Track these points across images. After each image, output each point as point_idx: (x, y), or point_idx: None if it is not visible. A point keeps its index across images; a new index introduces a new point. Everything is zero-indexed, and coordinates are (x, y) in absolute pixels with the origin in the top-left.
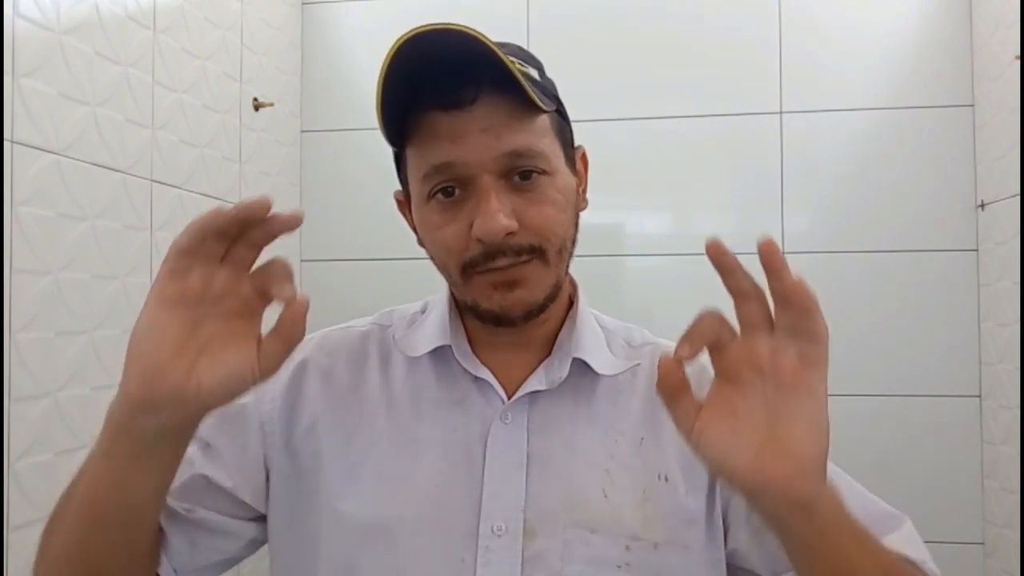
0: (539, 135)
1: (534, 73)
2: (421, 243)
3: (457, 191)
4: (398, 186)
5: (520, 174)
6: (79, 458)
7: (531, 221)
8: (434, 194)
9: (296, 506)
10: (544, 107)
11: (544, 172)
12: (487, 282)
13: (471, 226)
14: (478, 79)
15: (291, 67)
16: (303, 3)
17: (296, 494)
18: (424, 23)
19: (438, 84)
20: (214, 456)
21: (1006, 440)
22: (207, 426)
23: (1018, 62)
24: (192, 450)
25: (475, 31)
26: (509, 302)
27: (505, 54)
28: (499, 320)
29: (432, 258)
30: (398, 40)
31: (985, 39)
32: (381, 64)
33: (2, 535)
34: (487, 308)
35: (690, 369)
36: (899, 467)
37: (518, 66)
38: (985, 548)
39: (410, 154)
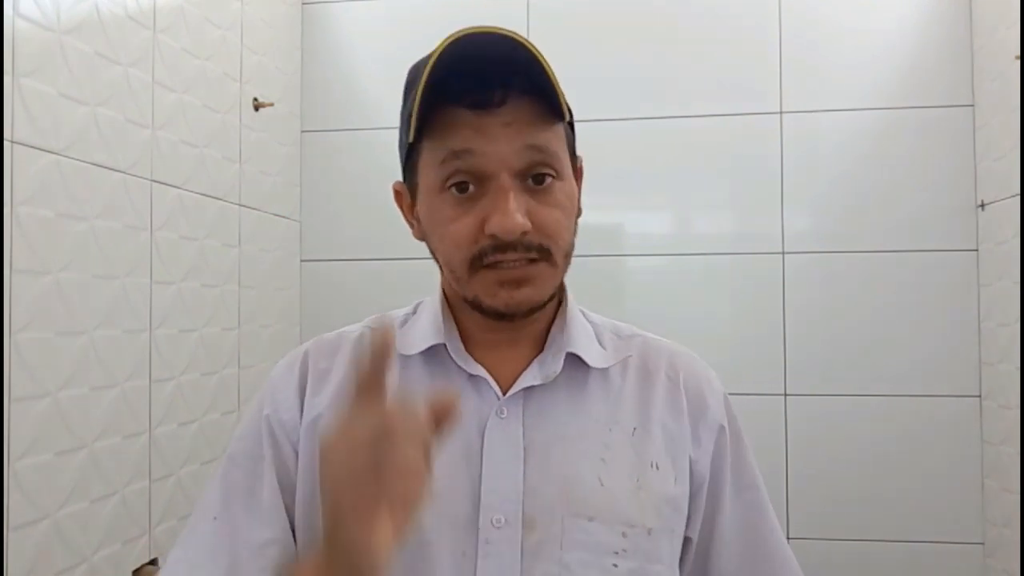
0: (556, 138)
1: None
2: (420, 236)
3: (471, 187)
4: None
5: (534, 177)
6: (79, 458)
7: (542, 222)
8: (448, 186)
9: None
10: (566, 115)
11: (556, 176)
12: (494, 279)
13: (483, 222)
14: (509, 83)
15: (291, 67)
16: (303, 3)
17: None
18: (471, 26)
19: (470, 84)
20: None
21: (1006, 440)
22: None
23: (1018, 62)
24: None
25: (523, 38)
26: (516, 300)
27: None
28: (501, 316)
29: (434, 252)
30: (449, 38)
31: (985, 39)
32: (429, 59)
33: (2, 535)
34: (490, 305)
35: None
36: (899, 467)
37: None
38: (985, 548)
39: (426, 145)
